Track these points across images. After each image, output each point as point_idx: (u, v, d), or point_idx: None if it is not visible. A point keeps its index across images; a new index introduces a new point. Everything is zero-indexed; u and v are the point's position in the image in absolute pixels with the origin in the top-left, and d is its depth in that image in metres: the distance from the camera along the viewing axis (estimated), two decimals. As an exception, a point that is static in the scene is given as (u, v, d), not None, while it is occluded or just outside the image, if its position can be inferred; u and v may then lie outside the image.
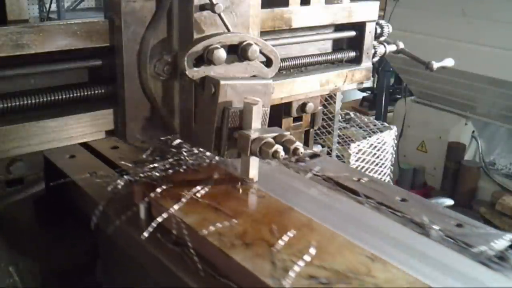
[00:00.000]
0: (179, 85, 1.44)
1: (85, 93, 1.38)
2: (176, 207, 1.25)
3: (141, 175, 1.44)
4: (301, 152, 1.32)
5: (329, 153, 2.68)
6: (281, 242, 1.11)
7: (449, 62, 2.06)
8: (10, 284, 1.40)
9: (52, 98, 1.33)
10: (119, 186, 1.41)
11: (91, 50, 1.34)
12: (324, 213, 1.30)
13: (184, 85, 1.43)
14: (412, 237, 1.24)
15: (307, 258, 1.06)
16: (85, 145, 1.75)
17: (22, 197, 1.47)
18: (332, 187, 1.51)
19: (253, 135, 1.31)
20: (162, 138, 1.67)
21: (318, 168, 1.60)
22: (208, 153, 1.56)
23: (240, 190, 1.37)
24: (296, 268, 1.03)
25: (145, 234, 1.23)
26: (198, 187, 1.33)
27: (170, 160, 1.53)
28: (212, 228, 1.17)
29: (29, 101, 1.29)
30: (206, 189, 1.34)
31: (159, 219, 1.25)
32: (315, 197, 1.41)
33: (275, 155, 1.28)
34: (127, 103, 1.39)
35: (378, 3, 1.93)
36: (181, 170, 1.48)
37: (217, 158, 1.50)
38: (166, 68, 1.40)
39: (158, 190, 1.31)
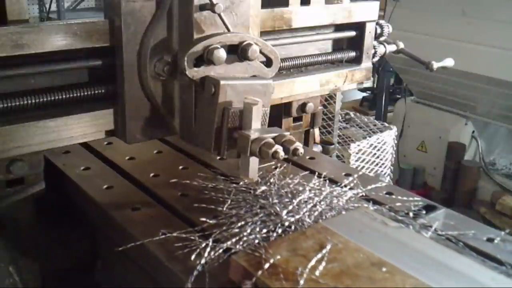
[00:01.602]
0: (179, 85, 1.44)
1: (85, 93, 1.37)
2: None
3: (233, 239, 1.20)
4: (301, 153, 1.32)
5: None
6: None
7: (449, 62, 2.06)
8: (10, 284, 1.40)
9: (52, 98, 1.33)
10: (206, 254, 1.16)
11: (91, 50, 1.34)
12: None
13: (184, 85, 1.42)
14: None
15: None
16: (145, 190, 1.54)
17: (22, 197, 1.47)
18: (461, 250, 1.26)
19: (253, 135, 1.30)
20: (241, 183, 1.47)
21: (437, 224, 1.36)
22: (306, 206, 1.35)
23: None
24: None
25: None
26: (314, 262, 1.07)
27: (261, 215, 1.28)
28: None
29: (29, 101, 1.29)
30: (324, 263, 1.07)
31: None
32: (458, 271, 1.10)
33: (275, 155, 1.27)
34: (127, 103, 1.39)
35: (378, 3, 1.93)
36: (280, 232, 1.25)
37: (322, 219, 1.28)
38: (166, 68, 1.39)
39: (266, 266, 1.05)
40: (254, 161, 1.38)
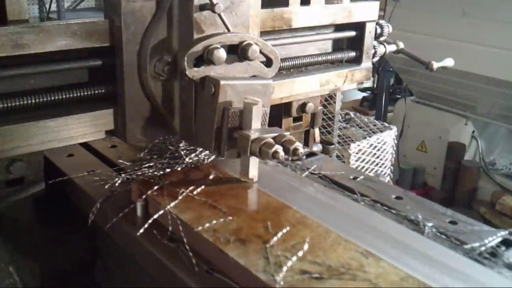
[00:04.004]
0: (179, 85, 1.44)
1: (85, 93, 1.38)
2: (172, 204, 1.28)
3: (139, 173, 1.49)
4: (301, 153, 1.32)
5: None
6: (275, 239, 1.14)
7: (449, 62, 2.06)
8: (10, 284, 1.40)
9: (52, 98, 1.33)
10: (117, 184, 1.46)
11: (91, 50, 1.34)
12: (320, 211, 1.32)
13: (184, 85, 1.42)
14: (406, 234, 1.26)
15: (300, 253, 1.09)
16: (85, 145, 1.77)
17: (22, 197, 1.47)
18: (328, 185, 1.54)
19: (253, 135, 1.31)
20: (160, 138, 1.69)
21: (314, 167, 1.63)
22: (206, 152, 1.59)
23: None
24: (289, 264, 1.05)
25: (141, 230, 1.26)
26: (195, 185, 1.36)
27: (168, 158, 1.58)
28: (207, 224, 1.19)
29: (29, 101, 1.29)
30: (203, 187, 1.37)
31: (155, 216, 1.27)
32: (311, 195, 1.42)
33: (275, 155, 1.27)
34: (127, 103, 1.39)
35: (378, 3, 1.93)
36: (179, 168, 1.53)
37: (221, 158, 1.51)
38: (166, 68, 1.40)
39: (155, 188, 1.35)
40: (254, 161, 1.38)
